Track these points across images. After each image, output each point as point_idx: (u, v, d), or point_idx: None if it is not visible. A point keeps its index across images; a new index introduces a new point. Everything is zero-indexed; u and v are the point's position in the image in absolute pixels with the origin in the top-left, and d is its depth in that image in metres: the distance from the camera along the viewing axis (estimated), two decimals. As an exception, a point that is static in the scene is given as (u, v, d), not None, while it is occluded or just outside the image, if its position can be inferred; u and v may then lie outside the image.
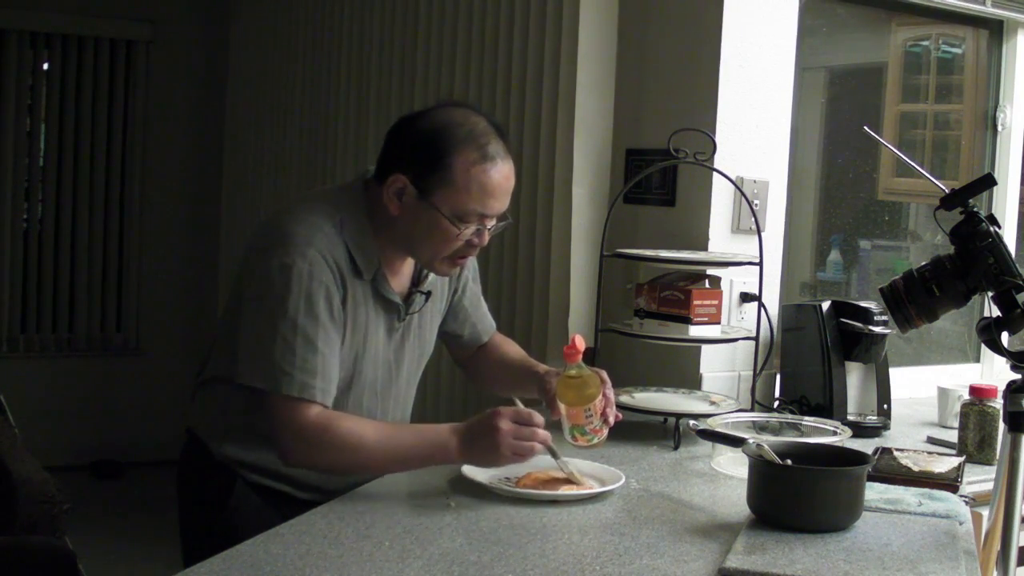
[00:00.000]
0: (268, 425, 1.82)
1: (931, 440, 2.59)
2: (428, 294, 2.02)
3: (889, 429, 2.61)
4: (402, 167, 1.84)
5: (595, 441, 1.96)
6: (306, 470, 1.90)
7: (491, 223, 1.89)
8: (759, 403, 2.53)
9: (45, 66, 5.62)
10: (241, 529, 1.65)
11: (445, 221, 1.83)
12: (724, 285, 2.58)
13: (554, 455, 1.88)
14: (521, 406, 1.85)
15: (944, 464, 2.15)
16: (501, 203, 1.87)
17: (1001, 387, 1.89)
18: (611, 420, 1.97)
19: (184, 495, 2.04)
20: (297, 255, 1.79)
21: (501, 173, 1.84)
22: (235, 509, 1.91)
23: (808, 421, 2.28)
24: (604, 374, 1.97)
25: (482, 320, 2.24)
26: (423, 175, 1.83)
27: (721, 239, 2.66)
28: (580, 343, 1.93)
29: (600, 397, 1.93)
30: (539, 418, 1.83)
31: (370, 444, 1.81)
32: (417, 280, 2.02)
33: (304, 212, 1.88)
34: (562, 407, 1.95)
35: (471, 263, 2.15)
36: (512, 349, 2.29)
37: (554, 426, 1.92)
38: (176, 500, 2.05)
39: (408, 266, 2.00)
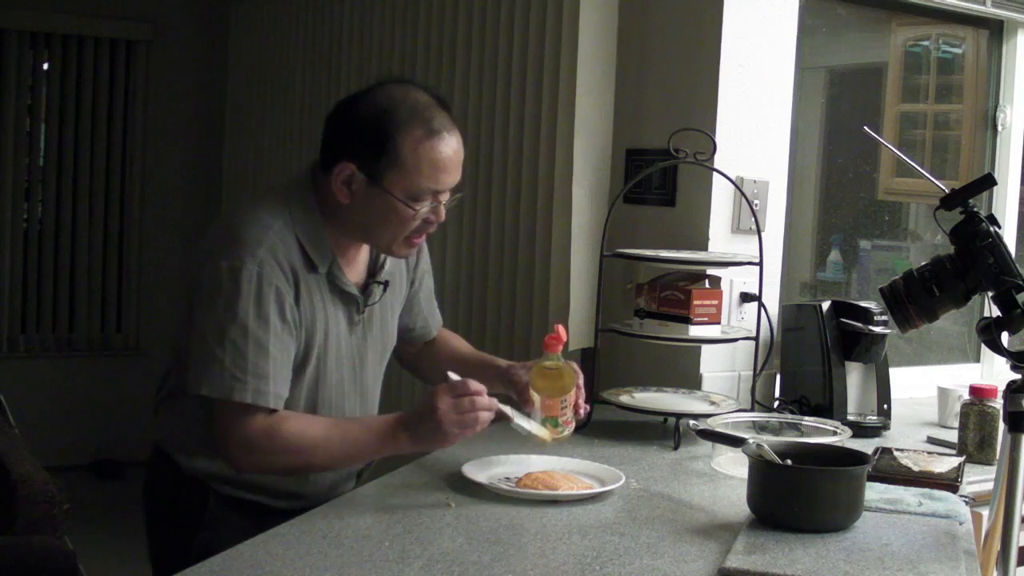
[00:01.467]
0: (214, 433, 1.78)
1: (931, 440, 2.59)
2: (386, 284, 1.98)
3: (889, 429, 2.61)
4: (347, 154, 1.79)
5: (565, 433, 1.95)
6: (270, 475, 1.87)
7: (445, 198, 1.84)
8: (759, 403, 2.53)
9: (45, 66, 5.62)
10: (218, 548, 1.60)
11: (399, 204, 1.79)
12: (724, 285, 2.58)
13: (506, 417, 1.84)
14: (456, 378, 1.79)
15: (944, 464, 2.15)
16: (453, 177, 1.83)
17: (1001, 387, 1.89)
18: (581, 412, 1.96)
19: (152, 512, 1.98)
20: (247, 257, 1.74)
21: (450, 147, 1.80)
22: (209, 526, 1.86)
23: (808, 421, 2.28)
24: (575, 366, 1.96)
25: (433, 315, 2.22)
26: (370, 160, 1.78)
27: (721, 239, 2.66)
28: (563, 333, 1.93)
29: (574, 388, 1.94)
30: (476, 385, 1.77)
31: (319, 444, 1.79)
32: (374, 270, 1.97)
33: (253, 210, 1.84)
34: (536, 398, 1.92)
35: (425, 257, 2.14)
36: (461, 344, 2.27)
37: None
38: (144, 517, 1.99)
39: (363, 255, 1.96)
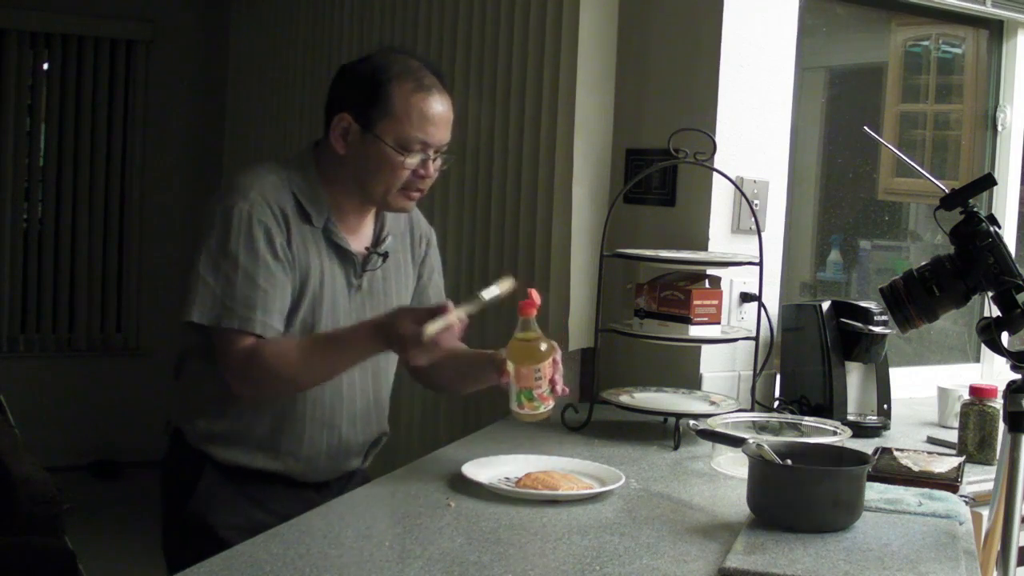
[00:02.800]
0: (217, 361, 1.89)
1: (931, 440, 2.59)
2: (386, 255, 2.05)
3: (889, 429, 2.61)
4: (344, 106, 1.93)
5: (541, 410, 1.91)
6: (258, 405, 1.94)
7: (434, 154, 1.95)
8: (759, 403, 2.53)
9: (45, 66, 5.62)
10: (210, 512, 1.80)
11: (389, 150, 1.90)
12: (724, 285, 2.58)
13: (465, 307, 1.86)
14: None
15: (944, 464, 2.15)
16: (442, 132, 1.95)
17: (1001, 387, 1.89)
18: (559, 390, 1.94)
19: (165, 489, 2.06)
20: (239, 198, 1.88)
21: (439, 103, 1.93)
22: (204, 492, 1.95)
23: (808, 421, 2.28)
24: (555, 343, 1.95)
25: None
26: (365, 110, 1.91)
27: (721, 239, 2.66)
28: (537, 297, 1.93)
29: (550, 361, 1.90)
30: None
31: (297, 366, 1.86)
32: (376, 242, 2.06)
33: (253, 167, 1.98)
34: (511, 368, 1.91)
35: (434, 254, 2.20)
36: (458, 343, 2.27)
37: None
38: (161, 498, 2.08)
39: (366, 227, 2.05)
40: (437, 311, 1.80)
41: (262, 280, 1.86)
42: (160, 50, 5.78)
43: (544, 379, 1.91)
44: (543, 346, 1.90)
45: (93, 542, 3.98)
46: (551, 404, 1.95)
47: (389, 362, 2.12)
